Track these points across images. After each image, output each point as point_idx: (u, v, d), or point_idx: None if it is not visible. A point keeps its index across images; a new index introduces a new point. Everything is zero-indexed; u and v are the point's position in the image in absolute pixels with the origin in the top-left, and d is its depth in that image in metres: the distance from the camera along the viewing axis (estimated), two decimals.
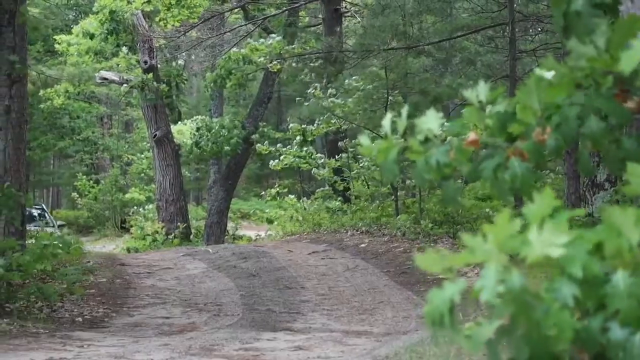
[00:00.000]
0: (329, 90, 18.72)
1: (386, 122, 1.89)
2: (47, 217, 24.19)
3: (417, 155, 1.84)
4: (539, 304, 1.50)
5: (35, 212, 24.12)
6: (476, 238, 1.56)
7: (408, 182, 18.07)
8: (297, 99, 20.31)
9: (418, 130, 1.85)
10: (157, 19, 22.18)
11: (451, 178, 1.87)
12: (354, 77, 17.93)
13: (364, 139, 1.93)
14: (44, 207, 26.51)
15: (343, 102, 18.19)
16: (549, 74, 1.76)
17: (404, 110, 1.88)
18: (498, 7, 18.00)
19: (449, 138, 1.90)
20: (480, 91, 1.85)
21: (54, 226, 22.47)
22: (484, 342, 1.55)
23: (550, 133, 1.77)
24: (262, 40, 21.95)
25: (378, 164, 1.92)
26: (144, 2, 21.20)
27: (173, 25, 22.45)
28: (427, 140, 1.85)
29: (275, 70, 21.10)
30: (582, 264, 1.49)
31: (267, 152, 22.10)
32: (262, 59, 21.13)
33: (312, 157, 21.58)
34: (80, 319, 10.34)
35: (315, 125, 20.73)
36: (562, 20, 1.76)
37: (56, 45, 24.50)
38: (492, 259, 1.53)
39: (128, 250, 22.56)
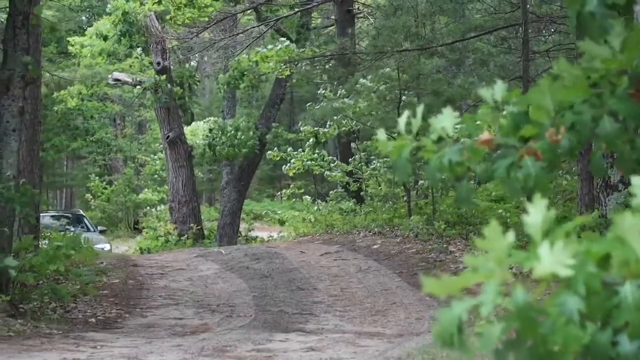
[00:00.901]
0: (340, 92, 18.71)
1: (401, 120, 1.89)
2: (86, 222, 23.55)
3: (430, 154, 1.84)
4: (545, 319, 1.49)
5: (70, 216, 23.76)
6: (478, 258, 1.55)
7: (421, 182, 18.04)
8: (308, 104, 20.31)
9: (432, 129, 1.84)
10: (167, 17, 22.22)
11: (464, 178, 1.86)
12: (367, 78, 17.91)
13: (380, 134, 1.93)
14: (82, 212, 25.88)
15: (355, 103, 18.18)
16: (563, 75, 1.75)
17: (419, 110, 1.88)
18: (511, 8, 17.96)
19: (462, 139, 1.89)
20: (496, 91, 1.84)
21: (94, 231, 22.22)
22: (493, 351, 1.55)
23: (564, 133, 1.76)
24: (271, 46, 21.94)
25: (391, 161, 1.91)
26: (155, 3, 21.25)
27: (183, 23, 22.49)
28: (440, 139, 1.85)
29: (284, 76, 21.11)
30: (585, 279, 1.48)
31: (278, 158, 22.14)
32: (271, 63, 21.14)
33: (324, 159, 21.58)
34: (93, 319, 10.37)
35: (327, 127, 20.73)
36: (575, 20, 1.76)
37: (69, 47, 24.59)
38: (494, 276, 1.52)
39: (141, 251, 22.61)
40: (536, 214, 1.55)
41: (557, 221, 1.56)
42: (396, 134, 1.92)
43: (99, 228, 23.64)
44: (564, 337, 1.46)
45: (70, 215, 24.43)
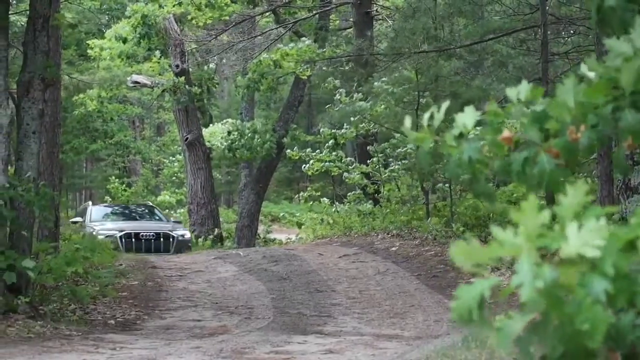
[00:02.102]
0: (357, 95, 18.70)
1: (425, 116, 1.90)
2: (158, 213, 22.46)
3: (450, 149, 1.84)
4: (572, 299, 1.48)
5: (143, 208, 23.22)
6: (506, 232, 1.55)
7: (439, 185, 18.01)
8: (327, 105, 20.32)
9: (455, 124, 1.85)
10: (188, 17, 22.28)
11: (482, 174, 1.86)
12: (382, 80, 17.89)
13: (406, 121, 1.95)
14: (151, 204, 24.77)
15: (373, 105, 18.17)
16: (589, 74, 1.75)
17: (443, 105, 1.89)
18: (530, 10, 17.89)
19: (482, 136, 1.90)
20: (521, 90, 1.84)
21: (168, 222, 21.37)
22: (515, 339, 1.54)
23: (584, 131, 1.76)
24: (292, 44, 21.98)
25: (413, 156, 1.93)
26: (175, 5, 21.31)
27: (204, 24, 22.55)
28: (461, 135, 1.85)
29: (305, 76, 21.12)
30: (614, 261, 1.48)
31: (297, 157, 22.15)
32: (292, 63, 21.17)
33: (342, 160, 21.58)
34: (112, 321, 10.40)
35: (345, 129, 20.73)
36: (596, 14, 1.75)
37: (89, 50, 24.70)
38: (523, 253, 1.51)
39: None
40: (573, 196, 1.55)
41: (584, 210, 1.55)
42: (420, 127, 1.93)
43: (172, 220, 22.49)
44: (592, 318, 1.46)
45: (142, 207, 23.82)
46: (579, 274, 1.49)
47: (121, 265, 14.51)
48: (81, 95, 25.58)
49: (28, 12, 10.69)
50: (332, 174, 22.32)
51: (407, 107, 17.88)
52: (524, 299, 1.48)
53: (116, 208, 23.37)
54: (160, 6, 21.72)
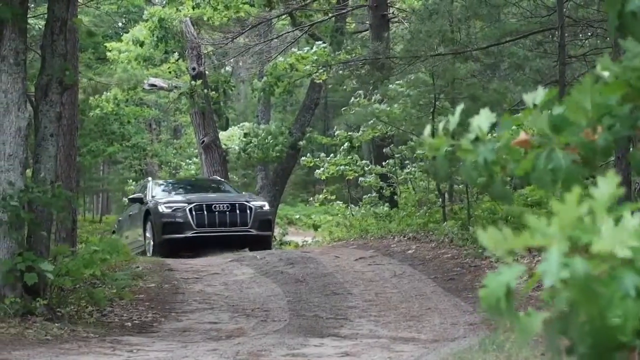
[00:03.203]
0: (374, 97, 18.70)
1: (441, 125, 1.90)
2: (228, 187, 20.19)
3: (466, 153, 1.84)
4: (603, 293, 1.47)
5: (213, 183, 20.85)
6: (540, 220, 1.53)
7: (456, 187, 17.97)
8: (344, 108, 20.34)
9: (471, 128, 1.85)
10: (204, 17, 22.35)
11: (498, 176, 1.86)
12: (398, 82, 17.88)
13: (426, 130, 1.95)
14: (219, 177, 22.08)
15: (389, 108, 18.16)
16: (604, 74, 1.74)
17: (458, 109, 1.89)
18: (547, 12, 17.83)
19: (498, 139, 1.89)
20: (537, 95, 1.84)
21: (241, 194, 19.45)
22: (542, 329, 1.53)
23: (600, 133, 1.75)
24: (307, 48, 22.02)
25: (430, 160, 1.94)
26: (192, 7, 21.39)
27: (220, 24, 22.61)
28: (477, 139, 1.85)
29: (321, 80, 21.15)
30: None
31: (311, 164, 22.20)
32: (308, 67, 21.20)
33: (358, 163, 21.58)
34: (129, 323, 10.43)
35: (361, 131, 20.74)
36: (616, 21, 1.74)
37: (107, 53, 24.82)
38: (554, 243, 1.50)
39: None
40: (605, 187, 1.54)
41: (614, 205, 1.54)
42: (437, 133, 1.94)
43: (245, 193, 20.62)
44: (623, 312, 1.45)
45: (209, 181, 21.61)
46: (610, 268, 1.48)
47: (138, 267, 14.55)
48: (98, 97, 25.69)
49: (46, 16, 10.75)
50: (348, 177, 22.32)
51: (423, 109, 17.85)
52: (547, 284, 1.47)
53: (180, 182, 21.41)
54: (177, 9, 21.80)
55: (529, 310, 1.55)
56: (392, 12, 24.29)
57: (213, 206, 17.03)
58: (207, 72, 23.65)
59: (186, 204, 17.04)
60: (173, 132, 42.59)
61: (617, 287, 1.46)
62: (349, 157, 21.59)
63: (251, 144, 24.16)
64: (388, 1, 23.36)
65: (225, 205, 17.11)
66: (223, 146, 23.81)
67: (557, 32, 15.81)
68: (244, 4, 22.08)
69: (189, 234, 16.83)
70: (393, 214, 18.99)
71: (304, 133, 24.92)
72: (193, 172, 31.90)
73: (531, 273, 1.54)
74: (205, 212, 16.90)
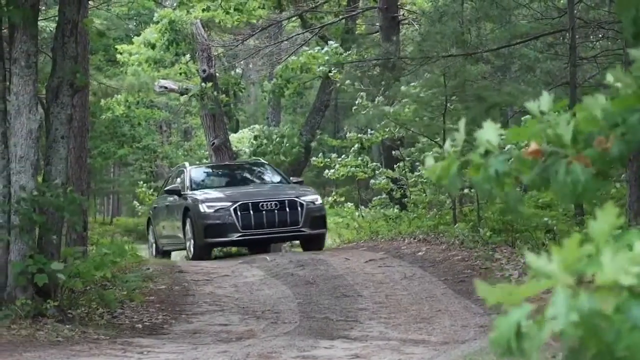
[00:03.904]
0: (380, 99, 18.69)
1: (446, 145, 1.89)
2: (271, 171, 18.13)
3: (478, 168, 1.83)
4: (610, 326, 1.47)
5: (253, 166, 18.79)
6: (541, 259, 1.53)
7: (466, 190, 17.94)
8: (354, 107, 20.33)
9: (478, 143, 1.84)
10: (216, 20, 22.39)
11: (512, 188, 1.85)
12: (411, 84, 17.88)
13: (428, 160, 1.93)
14: (262, 160, 19.94)
15: (400, 109, 18.15)
16: (616, 84, 1.73)
17: (462, 124, 1.88)
18: (558, 14, 17.80)
19: (508, 146, 1.88)
20: (542, 102, 1.83)
21: (288, 182, 17.26)
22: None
23: (613, 141, 1.74)
24: (318, 47, 22.04)
25: (439, 181, 1.91)
26: (204, 9, 21.43)
27: (232, 27, 22.65)
28: (487, 152, 1.84)
29: (337, 78, 21.16)
30: None
31: (322, 164, 22.18)
32: (321, 68, 21.22)
33: (368, 165, 21.57)
34: (140, 325, 10.46)
35: (370, 133, 20.74)
36: (632, 27, 1.73)
37: (118, 56, 24.89)
38: (559, 283, 1.50)
39: (186, 257, 22.72)
40: (604, 220, 1.54)
41: (617, 233, 1.54)
42: (444, 154, 1.91)
43: (294, 179, 18.05)
44: (631, 344, 1.44)
45: (251, 165, 19.22)
46: (616, 300, 1.48)
47: (148, 269, 14.58)
48: (109, 100, 25.77)
49: (57, 18, 10.79)
50: (358, 178, 22.31)
51: (434, 111, 17.84)
52: (558, 330, 1.47)
53: (219, 169, 19.12)
54: (187, 11, 21.84)
55: (538, 319, 1.54)
56: (402, 14, 24.28)
57: (260, 205, 15.43)
58: (217, 74, 23.67)
59: (230, 203, 15.45)
60: (183, 134, 42.68)
61: (625, 319, 1.45)
62: (359, 158, 21.58)
63: (262, 147, 24.18)
64: (398, 3, 23.35)
65: (273, 202, 15.49)
66: (233, 148, 23.83)
67: (567, 34, 15.78)
68: (258, 8, 22.11)
69: (235, 237, 15.50)
70: (403, 216, 18.97)
71: (314, 135, 24.93)
72: None
73: (539, 312, 1.54)
74: (252, 212, 15.39)
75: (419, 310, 10.45)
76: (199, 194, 15.98)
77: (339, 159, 21.76)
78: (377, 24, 24.10)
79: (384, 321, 9.92)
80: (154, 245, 18.70)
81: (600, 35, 20.07)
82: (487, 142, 1.83)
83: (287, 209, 15.47)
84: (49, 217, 9.97)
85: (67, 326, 9.42)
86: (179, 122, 40.48)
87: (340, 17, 24.79)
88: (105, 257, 10.62)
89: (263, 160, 19.65)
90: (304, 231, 15.71)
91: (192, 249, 15.93)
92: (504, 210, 1.90)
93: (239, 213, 15.30)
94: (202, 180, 17.26)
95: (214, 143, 22.84)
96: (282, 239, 16.40)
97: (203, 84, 22.40)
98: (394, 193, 20.59)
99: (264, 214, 15.39)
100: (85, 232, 14.79)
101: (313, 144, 24.24)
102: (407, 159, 20.28)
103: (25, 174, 9.81)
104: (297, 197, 15.73)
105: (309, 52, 22.09)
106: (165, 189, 17.43)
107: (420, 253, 14.60)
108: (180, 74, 23.84)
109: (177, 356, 8.29)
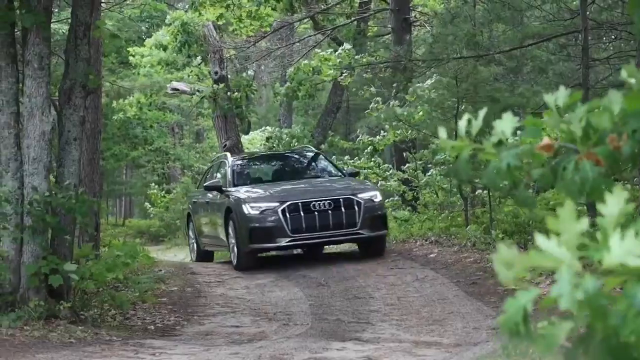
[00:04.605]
0: (394, 102, 18.68)
1: (461, 123, 1.90)
2: (324, 161, 16.50)
3: (490, 157, 1.84)
4: (616, 310, 1.47)
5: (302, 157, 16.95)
6: (549, 241, 1.54)
7: (478, 192, 17.91)
8: (367, 110, 20.33)
9: (494, 132, 1.84)
10: (230, 29, 22.44)
11: (522, 182, 1.85)
12: (418, 85, 17.87)
13: (441, 132, 1.95)
14: (311, 147, 18.37)
15: (412, 111, 18.14)
16: (630, 80, 1.73)
17: (481, 112, 1.88)
18: (570, 15, 17.75)
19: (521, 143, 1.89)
20: (559, 96, 1.83)
21: (343, 175, 15.63)
22: (562, 353, 1.53)
23: (626, 140, 1.74)
24: (330, 50, 22.05)
25: (452, 163, 1.93)
26: (218, 16, 21.47)
27: (246, 36, 22.70)
28: (500, 142, 1.84)
29: (346, 83, 21.17)
30: None
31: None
32: (332, 71, 21.23)
33: (380, 167, 21.56)
34: (152, 327, 10.48)
35: (382, 135, 20.73)
36: None
37: (130, 58, 24.97)
38: (564, 264, 1.51)
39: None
40: (614, 205, 1.54)
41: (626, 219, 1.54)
42: (458, 135, 1.93)
43: (348, 170, 16.32)
44: (635, 329, 1.44)
45: (299, 154, 17.30)
46: (623, 285, 1.48)
47: (160, 271, 14.61)
48: (122, 102, 25.85)
49: (70, 21, 10.83)
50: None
51: (445, 112, 17.82)
52: (563, 307, 1.47)
53: (264, 160, 17.42)
54: (200, 14, 21.89)
55: (552, 320, 1.54)
56: (414, 16, 24.27)
57: (311, 204, 13.71)
58: (229, 76, 23.71)
59: (277, 204, 13.77)
60: (195, 136, 42.75)
61: (631, 304, 1.45)
62: (371, 160, 21.57)
63: (274, 148, 24.21)
64: (410, 4, 23.34)
65: (327, 201, 13.74)
66: (245, 150, 23.86)
67: (580, 35, 15.73)
68: (269, 16, 22.12)
69: (283, 242, 13.82)
70: (415, 217, 18.95)
71: (325, 137, 24.93)
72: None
73: (543, 295, 1.55)
74: (302, 214, 13.68)
75: (431, 312, 10.43)
76: (242, 192, 14.36)
77: (352, 161, 21.75)
78: (389, 25, 24.06)
79: (396, 323, 9.90)
80: (194, 243, 17.20)
81: (613, 37, 20.01)
82: (501, 133, 1.84)
83: (343, 209, 13.77)
84: (61, 218, 10.00)
85: (80, 327, 9.45)
86: (191, 124, 40.54)
87: (352, 19, 24.79)
88: (117, 258, 10.64)
89: (313, 148, 17.87)
90: (362, 234, 13.99)
91: (235, 257, 14.34)
92: (517, 203, 1.91)
93: (287, 215, 13.63)
94: (246, 174, 15.62)
95: (225, 145, 22.86)
96: (336, 242, 14.67)
97: (215, 85, 22.43)
98: (406, 195, 20.57)
99: (316, 215, 13.70)
100: (98, 233, 14.82)
101: (323, 146, 24.22)
102: (419, 161, 20.26)
103: (38, 176, 9.85)
104: (353, 194, 13.99)
105: (321, 54, 22.09)
106: (205, 185, 15.75)
107: (432, 255, 14.58)
108: (192, 75, 23.89)
109: (189, 358, 8.30)
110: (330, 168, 15.97)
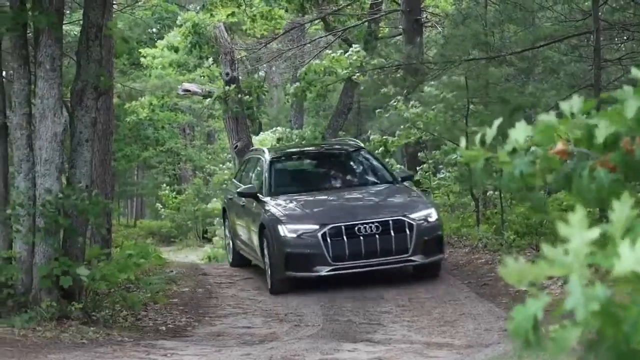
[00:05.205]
0: (412, 103, 18.64)
1: (477, 136, 1.91)
2: (374, 162, 14.34)
3: (505, 165, 1.84)
4: (626, 317, 1.46)
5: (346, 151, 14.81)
6: (556, 250, 1.53)
7: (489, 193, 17.87)
8: (378, 110, 20.31)
9: (508, 140, 1.85)
10: (243, 28, 22.46)
11: (536, 188, 1.86)
12: (432, 84, 17.83)
13: (462, 142, 1.96)
14: (358, 143, 15.89)
15: (423, 112, 18.11)
16: None
17: (496, 122, 1.89)
18: (582, 16, 17.70)
19: (533, 147, 1.89)
20: (574, 103, 1.83)
21: (395, 182, 13.51)
22: (575, 359, 1.53)
23: (639, 143, 1.74)
24: (340, 51, 22.06)
25: (463, 164, 1.95)
26: (229, 15, 21.50)
27: (259, 36, 22.73)
28: (514, 151, 1.85)
29: (359, 81, 21.15)
30: None
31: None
32: (344, 71, 21.23)
33: (393, 168, 21.54)
34: (163, 327, 10.50)
35: (395, 136, 20.70)
36: None
37: (142, 59, 25.03)
38: (574, 272, 1.50)
39: (210, 260, 22.79)
40: (621, 211, 1.53)
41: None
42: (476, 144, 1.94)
43: (398, 172, 14.53)
44: None
45: (343, 153, 14.85)
46: (633, 292, 1.47)
47: (172, 272, 14.64)
48: (133, 103, 25.92)
49: (81, 22, 10.86)
50: None
51: (457, 113, 17.78)
52: (579, 319, 1.46)
53: (306, 159, 15.20)
54: (211, 15, 21.92)
55: (564, 324, 1.54)
56: (426, 17, 24.23)
57: (356, 228, 11.96)
58: (240, 77, 23.73)
59: (317, 226, 12.01)
60: (206, 137, 42.81)
61: None
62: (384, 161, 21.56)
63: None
64: (421, 6, 23.31)
65: (374, 224, 11.98)
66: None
67: (592, 36, 15.69)
68: (282, 18, 22.14)
69: (323, 271, 11.97)
70: None
71: (336, 137, 24.93)
72: (226, 176, 31.97)
73: (555, 304, 1.54)
74: (346, 238, 11.93)
75: (443, 313, 10.42)
76: (279, 208, 12.60)
77: None
78: (400, 26, 24.05)
79: (407, 324, 9.90)
80: (230, 244, 15.40)
81: (625, 37, 19.95)
82: (515, 141, 1.84)
83: (392, 232, 12.00)
84: (73, 219, 10.03)
85: (92, 328, 9.48)
86: (202, 125, 40.61)
87: (363, 20, 24.78)
88: (128, 259, 10.67)
89: (360, 144, 15.64)
90: (414, 260, 12.25)
91: (268, 281, 12.60)
92: (531, 209, 1.91)
93: (328, 240, 11.89)
94: (284, 179, 13.83)
95: (236, 146, 22.88)
96: (385, 270, 12.52)
97: (226, 86, 22.46)
98: None
99: (362, 241, 11.93)
100: (109, 234, 14.86)
101: None
102: (431, 161, 20.23)
103: (50, 177, 9.88)
104: (405, 215, 12.19)
105: (332, 55, 22.09)
106: (239, 191, 13.84)
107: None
108: (203, 77, 23.93)
109: (201, 358, 8.32)
110: (381, 171, 14.05)
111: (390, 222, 12.05)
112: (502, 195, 16.25)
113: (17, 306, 9.66)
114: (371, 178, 13.92)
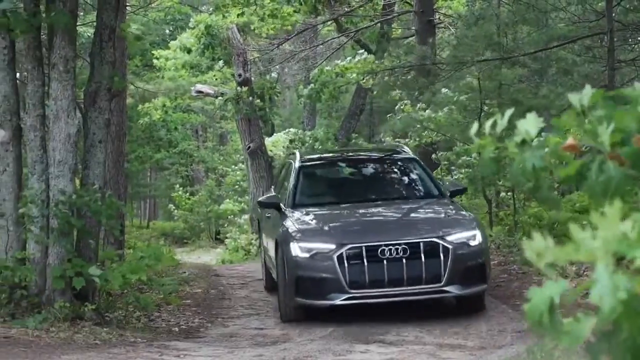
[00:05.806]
0: (421, 105, 18.61)
1: (487, 124, 1.90)
2: (421, 172, 12.12)
3: (513, 155, 1.84)
4: None
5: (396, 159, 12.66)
6: (584, 233, 1.52)
7: (502, 194, 17.83)
8: (389, 114, 20.29)
9: (517, 131, 1.84)
10: (252, 27, 22.50)
11: (546, 181, 1.85)
12: (445, 90, 17.80)
13: (472, 129, 1.95)
14: (406, 150, 13.07)
15: (435, 114, 18.08)
16: None
17: (507, 113, 1.88)
18: (596, 17, 17.66)
19: (541, 138, 1.88)
20: (584, 95, 1.82)
21: (441, 196, 11.55)
22: (585, 347, 1.52)
23: None
24: (349, 57, 22.04)
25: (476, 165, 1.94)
26: (238, 14, 21.54)
27: (267, 34, 22.74)
28: (524, 142, 1.84)
29: (368, 85, 21.14)
30: None
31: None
32: (354, 75, 21.22)
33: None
34: (176, 328, 10.51)
35: (409, 138, 20.67)
36: None
37: (155, 61, 25.10)
38: (600, 260, 1.49)
39: (222, 261, 22.82)
40: None
41: None
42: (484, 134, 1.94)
43: (451, 185, 12.52)
44: None
45: (387, 160, 12.75)
46: None
47: (185, 273, 14.67)
48: (147, 105, 26.00)
49: (95, 24, 10.90)
50: None
51: (470, 115, 17.75)
52: (606, 311, 1.45)
53: (339, 166, 12.69)
54: (223, 16, 21.95)
55: (578, 316, 1.53)
56: (438, 18, 24.20)
57: (379, 250, 9.96)
58: (253, 79, 23.75)
59: (333, 246, 10.03)
60: (219, 138, 42.88)
61: None
62: None
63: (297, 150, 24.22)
64: (434, 6, 23.28)
65: (400, 247, 9.98)
66: (269, 152, 23.90)
67: (606, 37, 15.64)
68: (291, 15, 22.16)
69: (338, 300, 10.03)
70: None
71: (349, 139, 24.92)
72: (239, 178, 31.97)
73: (579, 285, 1.53)
74: (366, 262, 9.96)
75: (455, 314, 10.39)
76: (295, 222, 10.73)
77: None
78: (413, 27, 24.03)
79: (419, 325, 9.87)
80: (263, 262, 13.54)
81: (639, 38, 19.88)
82: (525, 132, 1.83)
83: (423, 257, 9.98)
84: (87, 220, 10.06)
85: (105, 329, 9.50)
86: (215, 127, 40.67)
87: (376, 21, 24.76)
88: (141, 260, 10.69)
89: (410, 153, 13.01)
90: (448, 291, 10.18)
91: (280, 307, 10.82)
92: (539, 201, 1.90)
93: (345, 263, 9.93)
94: (312, 188, 12.10)
95: (249, 147, 22.90)
96: (412, 303, 10.36)
97: (239, 88, 22.48)
98: None
99: (385, 265, 9.94)
100: (122, 235, 14.90)
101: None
102: (444, 162, 20.20)
103: (63, 178, 9.91)
104: (440, 237, 10.12)
105: (341, 64, 22.05)
106: (259, 200, 12.25)
107: None
108: (216, 78, 23.97)
109: (214, 359, 8.33)
110: (428, 183, 12.01)
111: (421, 244, 10.02)
112: (515, 196, 16.21)
113: (31, 307, 9.69)
114: (413, 191, 12.04)
